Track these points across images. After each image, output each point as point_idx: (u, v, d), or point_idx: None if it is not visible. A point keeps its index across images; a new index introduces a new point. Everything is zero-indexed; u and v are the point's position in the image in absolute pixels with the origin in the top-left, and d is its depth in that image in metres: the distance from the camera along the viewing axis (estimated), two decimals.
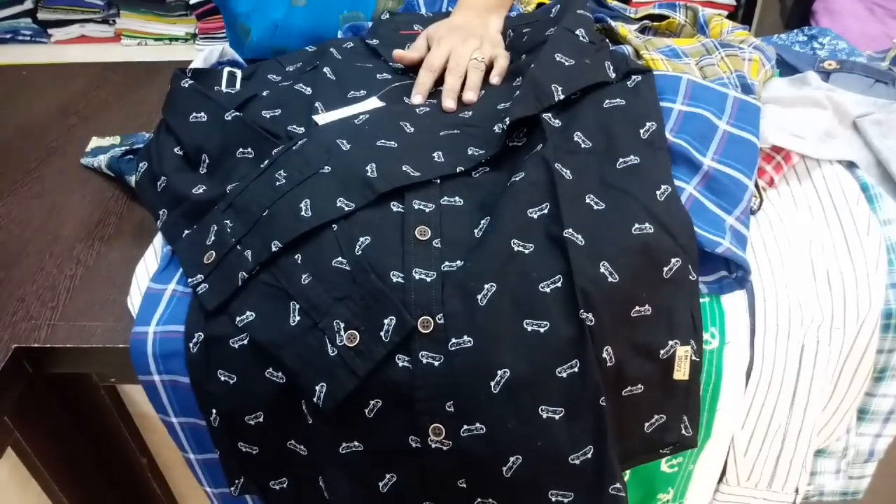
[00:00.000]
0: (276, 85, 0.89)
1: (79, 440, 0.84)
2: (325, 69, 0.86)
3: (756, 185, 0.71)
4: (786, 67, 0.90)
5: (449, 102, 0.79)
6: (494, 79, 0.83)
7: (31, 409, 0.75)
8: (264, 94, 0.86)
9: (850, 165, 0.78)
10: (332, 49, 0.92)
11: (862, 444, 0.79)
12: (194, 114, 0.78)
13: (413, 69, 0.87)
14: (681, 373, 0.63)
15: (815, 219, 0.73)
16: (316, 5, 0.98)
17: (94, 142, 0.96)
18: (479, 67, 0.82)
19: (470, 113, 0.78)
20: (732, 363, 0.66)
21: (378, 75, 0.88)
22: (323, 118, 0.79)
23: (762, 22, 1.92)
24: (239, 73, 0.88)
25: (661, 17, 0.93)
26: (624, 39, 0.83)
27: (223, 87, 0.85)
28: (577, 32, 0.76)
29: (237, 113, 0.78)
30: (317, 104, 0.80)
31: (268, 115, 0.82)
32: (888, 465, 0.81)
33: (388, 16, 0.99)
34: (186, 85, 0.81)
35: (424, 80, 0.83)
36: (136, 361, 0.68)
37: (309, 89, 0.84)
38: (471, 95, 0.80)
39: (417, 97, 0.82)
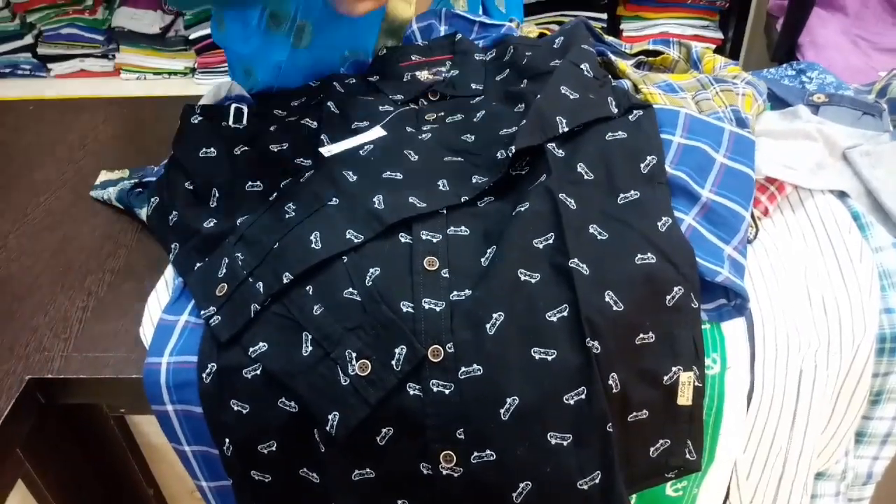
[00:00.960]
0: (283, 120, 0.91)
1: (87, 471, 0.85)
2: (329, 103, 0.89)
3: (751, 215, 0.74)
4: (776, 101, 0.93)
5: None
6: None
7: (41, 441, 0.76)
8: (271, 129, 0.88)
9: (842, 195, 0.80)
10: (335, 83, 0.94)
11: (860, 467, 0.80)
12: (204, 149, 0.80)
13: (413, 100, 0.89)
14: (684, 398, 0.65)
15: (810, 247, 0.76)
16: (318, 46, 1.00)
17: (103, 175, 0.98)
18: None
19: (473, 137, 0.81)
20: (734, 388, 0.68)
21: (381, 107, 0.90)
22: (329, 150, 0.81)
23: (749, 55, 1.97)
24: (246, 109, 0.90)
25: (656, 53, 0.96)
26: (623, 74, 0.86)
27: (230, 123, 0.87)
28: (582, 67, 0.79)
29: (246, 148, 0.80)
30: (323, 136, 0.83)
31: (275, 149, 0.84)
32: (886, 486, 0.83)
33: (385, 51, 1.02)
34: (196, 121, 0.84)
35: None
36: (150, 392, 0.69)
37: (315, 123, 0.87)
38: None
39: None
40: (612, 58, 0.88)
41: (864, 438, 0.78)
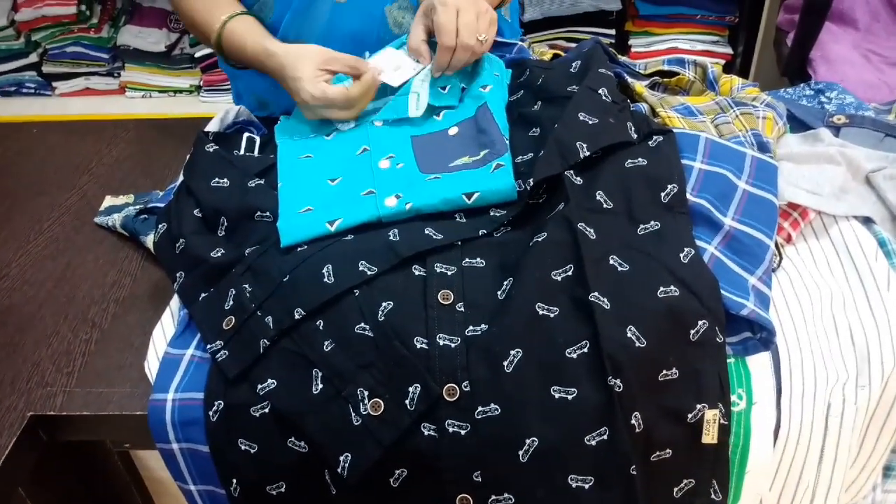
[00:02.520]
0: None
1: None
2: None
3: (775, 243, 0.71)
4: (795, 122, 0.91)
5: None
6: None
7: (43, 478, 0.74)
8: None
9: (867, 220, 0.78)
10: None
11: (888, 501, 0.78)
12: (216, 179, 0.79)
13: None
14: (709, 436, 0.63)
15: (835, 275, 0.73)
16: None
17: (108, 200, 0.96)
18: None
19: None
20: (760, 424, 0.65)
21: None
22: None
23: (759, 70, 1.95)
24: (258, 139, 0.88)
25: (671, 74, 0.94)
26: (640, 97, 0.84)
27: (242, 152, 0.85)
28: (600, 92, 0.77)
29: (260, 181, 0.78)
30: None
31: None
32: None
33: None
34: (211, 150, 0.82)
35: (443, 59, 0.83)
36: (155, 430, 0.67)
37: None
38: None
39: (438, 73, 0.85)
40: (629, 80, 0.86)
41: (892, 472, 0.75)
